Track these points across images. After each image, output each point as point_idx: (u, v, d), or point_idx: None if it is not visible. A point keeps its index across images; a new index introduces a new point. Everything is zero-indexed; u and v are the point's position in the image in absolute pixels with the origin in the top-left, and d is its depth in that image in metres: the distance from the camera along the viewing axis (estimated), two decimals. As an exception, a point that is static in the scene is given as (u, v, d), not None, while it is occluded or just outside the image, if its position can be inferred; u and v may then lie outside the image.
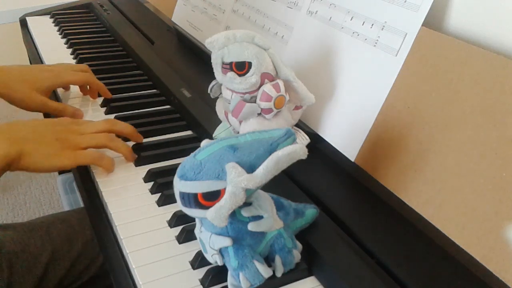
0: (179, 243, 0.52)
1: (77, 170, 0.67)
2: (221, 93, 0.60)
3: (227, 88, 0.58)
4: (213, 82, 0.60)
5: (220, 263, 0.45)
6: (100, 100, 0.84)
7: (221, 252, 0.44)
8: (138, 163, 0.66)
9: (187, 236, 0.52)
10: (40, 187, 1.82)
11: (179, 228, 0.53)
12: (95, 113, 0.80)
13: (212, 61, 0.56)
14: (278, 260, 0.46)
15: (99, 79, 0.90)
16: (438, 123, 0.52)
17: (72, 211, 0.86)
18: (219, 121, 0.65)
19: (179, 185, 0.41)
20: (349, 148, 0.60)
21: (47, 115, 0.86)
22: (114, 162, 0.63)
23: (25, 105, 0.76)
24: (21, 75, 0.76)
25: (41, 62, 1.02)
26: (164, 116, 0.78)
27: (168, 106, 0.82)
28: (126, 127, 0.67)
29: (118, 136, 0.67)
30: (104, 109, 0.81)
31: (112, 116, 0.78)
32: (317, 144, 0.63)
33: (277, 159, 0.40)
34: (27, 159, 0.56)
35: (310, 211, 0.50)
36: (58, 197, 1.76)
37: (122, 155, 0.66)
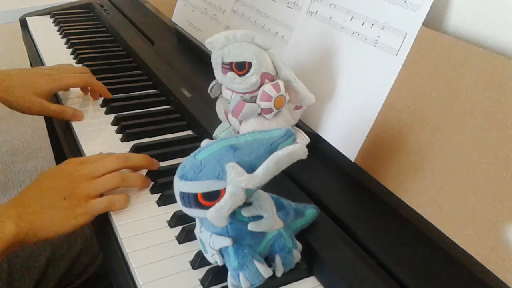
0: (179, 243, 0.52)
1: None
2: (221, 93, 0.60)
3: (227, 88, 0.58)
4: (213, 82, 0.60)
5: (220, 263, 0.45)
6: (100, 100, 0.84)
7: (221, 252, 0.44)
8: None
9: (187, 236, 0.52)
10: (40, 187, 1.82)
11: (179, 228, 0.53)
12: (95, 113, 0.80)
13: (212, 61, 0.56)
14: (278, 260, 0.46)
15: (99, 79, 0.90)
16: (438, 123, 0.52)
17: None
18: (219, 121, 0.65)
19: (179, 185, 0.41)
20: (349, 148, 0.60)
21: (48, 117, 0.86)
22: (128, 199, 0.59)
23: (25, 110, 0.75)
24: (20, 80, 0.76)
25: (41, 62, 1.02)
26: (164, 116, 0.78)
27: (168, 106, 0.82)
28: (140, 160, 0.62)
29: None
30: (104, 109, 0.81)
31: (112, 116, 0.78)
32: (317, 144, 0.63)
33: (277, 159, 0.40)
34: (42, 232, 0.53)
35: (310, 211, 0.50)
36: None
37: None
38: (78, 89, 0.86)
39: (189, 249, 0.51)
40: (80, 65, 0.98)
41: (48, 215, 0.54)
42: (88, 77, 0.82)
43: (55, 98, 0.85)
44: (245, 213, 0.44)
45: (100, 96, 0.84)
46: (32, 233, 0.53)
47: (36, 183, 0.57)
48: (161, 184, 0.60)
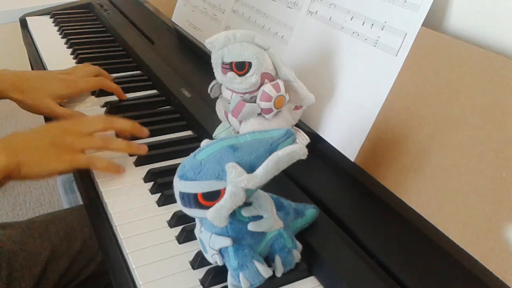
0: (179, 243, 0.52)
1: (77, 170, 0.67)
2: (221, 93, 0.60)
3: (227, 88, 0.58)
4: (213, 82, 0.60)
5: (220, 263, 0.45)
6: (100, 100, 0.84)
7: (221, 252, 0.44)
8: (138, 163, 0.66)
9: (187, 236, 0.52)
10: (40, 187, 1.82)
11: (179, 228, 0.53)
12: (95, 113, 0.80)
13: (212, 61, 0.56)
14: (278, 260, 0.46)
15: (99, 79, 0.91)
16: (438, 123, 0.52)
17: (71, 209, 0.86)
18: (219, 121, 0.65)
19: (179, 185, 0.41)
20: (349, 148, 0.60)
21: (47, 117, 0.86)
22: (111, 163, 0.63)
23: (35, 111, 0.78)
24: (37, 83, 0.78)
25: (41, 62, 1.02)
26: (164, 116, 0.78)
27: (168, 106, 0.82)
28: (125, 124, 0.67)
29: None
30: (104, 109, 0.81)
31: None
32: (317, 144, 0.63)
33: (277, 159, 0.40)
34: (25, 169, 0.58)
35: (310, 211, 0.50)
36: (58, 197, 1.76)
37: (125, 153, 0.66)
38: None
39: (189, 249, 0.51)
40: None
41: (34, 154, 0.59)
42: (102, 80, 0.83)
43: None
44: (245, 213, 0.44)
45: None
46: (18, 169, 0.57)
47: (28, 130, 0.63)
48: (161, 184, 0.60)
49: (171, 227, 0.54)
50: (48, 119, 1.00)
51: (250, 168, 0.40)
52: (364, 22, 0.61)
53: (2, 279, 0.69)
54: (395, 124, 0.56)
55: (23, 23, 1.25)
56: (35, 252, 0.73)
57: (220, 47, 0.55)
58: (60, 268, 0.75)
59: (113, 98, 0.84)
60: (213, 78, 0.58)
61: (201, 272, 0.48)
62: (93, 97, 0.85)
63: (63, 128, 0.64)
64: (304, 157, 0.41)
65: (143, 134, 0.69)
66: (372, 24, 0.60)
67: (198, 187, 0.40)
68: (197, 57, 0.92)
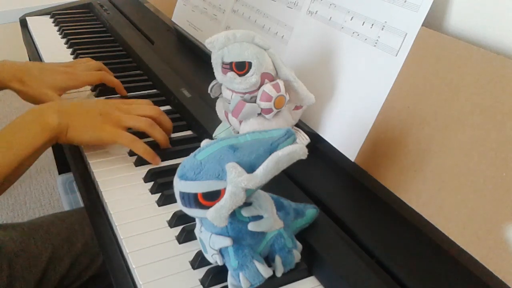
0: (179, 243, 0.52)
1: (77, 170, 0.67)
2: (221, 93, 0.60)
3: (227, 88, 0.58)
4: (213, 82, 0.60)
5: (220, 263, 0.45)
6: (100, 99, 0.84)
7: (221, 252, 0.44)
8: (138, 163, 0.66)
9: (187, 236, 0.52)
10: (40, 187, 1.82)
11: (179, 228, 0.53)
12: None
13: (212, 61, 0.56)
14: (278, 260, 0.46)
15: (100, 79, 0.90)
16: (438, 123, 0.52)
17: (72, 211, 0.86)
18: (219, 121, 0.65)
19: (179, 185, 0.41)
20: (349, 148, 0.60)
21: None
22: (150, 150, 0.65)
23: (35, 101, 0.78)
24: (40, 75, 0.79)
25: (41, 62, 1.02)
26: (164, 116, 0.78)
27: (168, 106, 0.82)
28: (168, 122, 0.70)
29: None
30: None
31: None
32: (317, 144, 0.63)
33: (277, 159, 0.40)
34: (72, 132, 0.62)
35: (310, 211, 0.50)
36: (58, 197, 1.76)
37: (156, 140, 0.67)
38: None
39: (189, 249, 0.51)
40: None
41: (81, 119, 0.63)
42: (103, 74, 0.83)
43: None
44: (245, 213, 0.44)
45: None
46: (66, 131, 0.62)
47: (79, 100, 0.68)
48: (161, 184, 0.60)
49: (171, 227, 0.54)
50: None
51: (250, 168, 0.40)
52: (364, 22, 0.61)
53: (3, 280, 0.69)
54: (395, 124, 0.56)
55: (23, 23, 1.25)
56: (36, 254, 0.73)
57: (220, 47, 0.55)
58: (61, 269, 0.75)
59: (113, 98, 0.84)
60: (213, 78, 0.58)
61: (201, 272, 0.48)
62: (93, 94, 0.85)
63: (113, 104, 0.67)
64: (304, 157, 0.41)
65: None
66: (372, 24, 0.60)
67: (198, 187, 0.40)
68: (197, 57, 0.92)
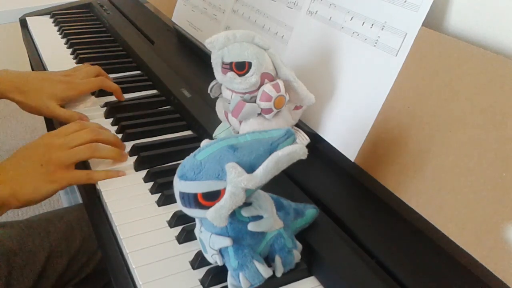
0: (179, 243, 0.52)
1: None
2: (221, 93, 0.60)
3: (227, 88, 0.58)
4: (213, 82, 0.60)
5: (220, 263, 0.45)
6: (101, 101, 0.84)
7: (221, 252, 0.44)
8: (138, 163, 0.66)
9: (187, 236, 0.52)
10: (40, 187, 1.82)
11: (179, 228, 0.53)
12: (95, 114, 0.80)
13: (212, 61, 0.56)
14: (278, 260, 0.46)
15: (99, 79, 0.90)
16: (438, 123, 0.52)
17: (70, 208, 0.86)
18: (219, 121, 0.65)
19: (179, 185, 0.41)
20: (349, 148, 0.60)
21: (48, 118, 0.86)
22: (110, 171, 0.63)
23: (36, 112, 0.78)
24: (38, 84, 0.78)
25: (41, 62, 1.02)
26: (164, 116, 0.78)
27: (168, 106, 0.82)
28: (110, 137, 0.67)
29: None
30: (104, 109, 0.81)
31: (112, 116, 0.78)
32: (317, 144, 0.63)
33: (277, 159, 0.40)
34: (23, 196, 0.58)
35: (310, 211, 0.50)
36: (58, 197, 1.76)
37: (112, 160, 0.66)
38: None
39: (189, 249, 0.51)
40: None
41: (27, 180, 0.59)
42: (102, 80, 0.83)
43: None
44: (245, 213, 0.44)
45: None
46: (14, 197, 0.58)
47: (14, 155, 0.62)
48: (161, 184, 0.60)
49: (171, 227, 0.54)
50: (48, 120, 1.00)
51: (250, 168, 0.40)
52: (364, 22, 0.61)
53: (1, 278, 0.69)
54: (395, 124, 0.56)
55: (23, 23, 1.25)
56: (34, 251, 0.73)
57: (220, 47, 0.55)
58: (59, 266, 0.75)
59: (113, 98, 0.84)
60: (213, 78, 0.58)
61: (201, 272, 0.48)
62: (93, 97, 0.85)
63: (47, 144, 0.62)
64: (304, 157, 0.41)
65: (122, 149, 0.68)
66: (372, 24, 0.60)
67: (198, 187, 0.40)
68: (197, 57, 0.92)
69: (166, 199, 0.58)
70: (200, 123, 0.71)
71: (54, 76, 0.82)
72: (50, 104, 0.77)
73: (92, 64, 0.95)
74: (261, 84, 0.56)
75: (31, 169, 0.60)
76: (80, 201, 1.03)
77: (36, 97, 0.77)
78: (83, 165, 0.68)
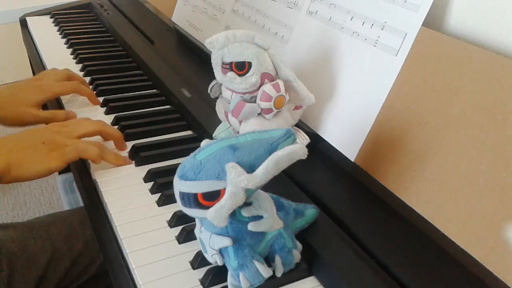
0: (179, 243, 0.52)
1: (77, 170, 0.67)
2: (221, 93, 0.60)
3: (227, 88, 0.58)
4: (213, 82, 0.60)
5: (220, 263, 0.45)
6: (100, 100, 0.84)
7: (221, 252, 0.44)
8: (138, 163, 0.66)
9: (187, 236, 0.52)
10: (40, 187, 1.82)
11: (179, 228, 0.53)
12: (95, 114, 0.80)
13: (212, 61, 0.56)
14: (278, 260, 0.46)
15: (99, 79, 0.91)
16: (438, 123, 0.52)
17: (72, 211, 0.86)
18: (219, 121, 0.65)
19: (179, 185, 0.41)
20: (349, 148, 0.60)
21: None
22: (101, 152, 0.63)
23: (18, 123, 0.76)
24: (11, 96, 0.77)
25: (41, 62, 1.02)
26: (164, 116, 0.78)
27: (168, 106, 0.82)
28: (115, 131, 0.67)
29: None
30: (104, 109, 0.81)
31: (112, 116, 0.78)
32: (317, 144, 0.63)
33: (277, 159, 0.40)
34: (16, 169, 0.57)
35: (310, 211, 0.50)
36: (58, 197, 1.76)
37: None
38: None
39: (189, 249, 0.51)
40: (80, 65, 0.98)
41: (25, 154, 0.58)
42: (76, 84, 0.81)
43: (57, 101, 0.85)
44: (245, 213, 0.44)
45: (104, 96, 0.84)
46: (7, 170, 0.56)
47: (18, 133, 0.62)
48: (161, 184, 0.60)
49: (171, 227, 0.54)
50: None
51: (250, 168, 0.40)
52: (364, 22, 0.61)
53: (2, 280, 0.69)
54: (395, 124, 0.56)
55: (23, 23, 1.25)
56: (36, 253, 0.73)
57: (220, 47, 0.55)
58: (61, 269, 0.75)
59: (113, 98, 0.84)
60: (213, 78, 0.58)
61: (201, 272, 0.48)
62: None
63: (52, 129, 0.63)
64: (304, 157, 0.41)
65: (123, 149, 0.68)
66: (372, 24, 0.60)
67: (198, 187, 0.40)
68: (197, 57, 0.92)
69: (166, 199, 0.58)
70: (200, 123, 0.71)
71: (24, 83, 0.80)
72: (32, 110, 0.75)
73: (92, 64, 0.95)
74: (261, 84, 0.56)
75: (32, 145, 0.59)
76: (81, 201, 1.03)
77: (14, 108, 0.75)
78: (83, 165, 0.68)
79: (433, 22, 0.57)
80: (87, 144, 0.62)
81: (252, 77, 0.55)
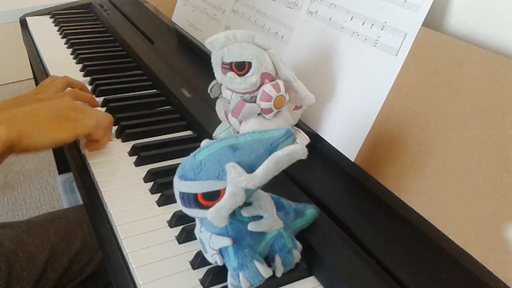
0: (179, 243, 0.52)
1: (77, 170, 0.67)
2: (221, 93, 0.60)
3: (227, 88, 0.58)
4: (213, 82, 0.60)
5: (220, 263, 0.45)
6: (100, 100, 0.84)
7: (221, 252, 0.44)
8: (138, 163, 0.66)
9: (187, 236, 0.52)
10: (40, 187, 1.82)
11: (179, 228, 0.53)
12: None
13: (212, 61, 0.56)
14: (278, 260, 0.46)
15: (99, 79, 0.91)
16: (438, 123, 0.52)
17: (70, 209, 0.86)
18: (219, 121, 0.65)
19: (179, 185, 0.41)
20: (349, 148, 0.60)
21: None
22: (110, 137, 0.67)
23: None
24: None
25: (41, 62, 1.02)
26: (164, 116, 0.78)
27: (168, 106, 0.82)
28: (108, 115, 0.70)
29: None
30: (103, 109, 0.81)
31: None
32: (317, 144, 0.63)
33: (277, 159, 0.40)
34: (27, 140, 0.57)
35: (310, 211, 0.50)
36: (58, 197, 1.77)
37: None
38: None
39: (189, 249, 0.51)
40: (80, 65, 0.98)
41: (36, 125, 0.59)
42: (74, 92, 0.78)
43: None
44: (245, 213, 0.44)
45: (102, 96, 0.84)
46: (19, 140, 0.57)
47: (30, 105, 0.63)
48: (161, 184, 0.60)
49: (171, 227, 0.54)
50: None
51: (250, 168, 0.40)
52: (364, 22, 0.61)
53: (2, 279, 0.69)
54: (395, 124, 0.56)
55: (23, 23, 1.25)
56: (34, 252, 0.73)
57: (220, 47, 0.55)
58: (60, 267, 0.75)
59: (113, 98, 0.84)
60: (213, 78, 0.58)
61: (201, 272, 0.48)
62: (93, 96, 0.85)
63: (69, 104, 0.65)
64: (304, 157, 0.41)
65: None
66: (372, 24, 0.60)
67: (198, 187, 0.40)
68: (197, 57, 0.92)
69: (166, 199, 0.58)
70: (200, 123, 0.71)
71: (26, 99, 0.74)
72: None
73: (92, 64, 0.95)
74: (261, 84, 0.56)
75: (44, 116, 0.60)
76: (80, 201, 1.03)
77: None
78: (83, 165, 0.68)
79: (433, 22, 0.57)
80: (97, 123, 0.64)
81: (252, 77, 0.55)
